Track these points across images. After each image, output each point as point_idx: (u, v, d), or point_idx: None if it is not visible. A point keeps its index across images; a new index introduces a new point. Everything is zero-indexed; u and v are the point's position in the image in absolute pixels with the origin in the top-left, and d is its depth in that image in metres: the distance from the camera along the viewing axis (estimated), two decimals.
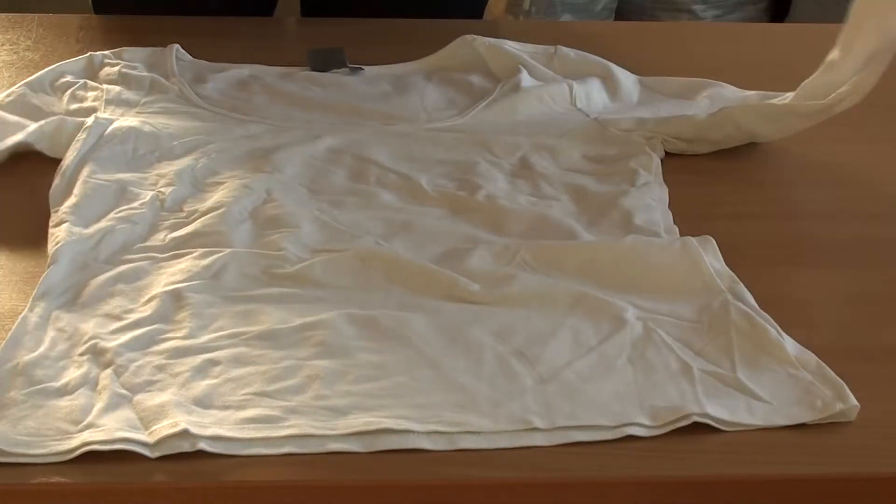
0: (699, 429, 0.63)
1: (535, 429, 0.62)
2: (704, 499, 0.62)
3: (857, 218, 0.85)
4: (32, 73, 0.96)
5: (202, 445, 0.60)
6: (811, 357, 0.68)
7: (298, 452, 0.60)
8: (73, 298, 0.71)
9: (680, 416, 0.63)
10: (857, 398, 0.64)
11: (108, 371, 0.64)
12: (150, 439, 0.60)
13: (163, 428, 0.60)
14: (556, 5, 1.71)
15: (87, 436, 0.60)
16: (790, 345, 0.68)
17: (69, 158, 0.83)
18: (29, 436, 0.60)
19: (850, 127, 0.99)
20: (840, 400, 0.64)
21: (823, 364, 0.67)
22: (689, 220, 0.81)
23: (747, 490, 0.62)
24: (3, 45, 1.06)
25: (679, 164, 0.89)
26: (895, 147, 0.97)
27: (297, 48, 1.05)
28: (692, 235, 0.78)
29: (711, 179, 0.89)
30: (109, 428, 0.60)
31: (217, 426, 0.61)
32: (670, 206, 0.83)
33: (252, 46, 1.05)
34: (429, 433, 0.61)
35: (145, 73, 0.96)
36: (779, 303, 0.72)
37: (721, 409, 0.64)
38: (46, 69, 0.95)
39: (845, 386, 0.65)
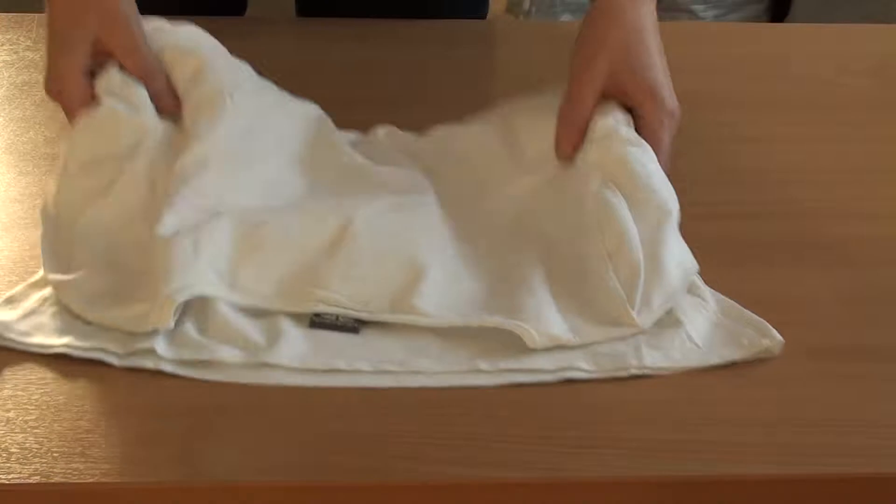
0: (697, 428, 0.63)
1: (480, 371, 0.66)
2: (704, 499, 0.62)
3: (857, 218, 0.85)
4: (32, 74, 0.96)
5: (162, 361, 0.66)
6: (733, 304, 0.72)
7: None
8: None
9: (620, 367, 0.67)
10: (857, 398, 0.65)
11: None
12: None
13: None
14: (556, 5, 1.71)
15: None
16: (710, 296, 0.73)
17: None
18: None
19: (850, 127, 0.99)
20: (764, 336, 0.69)
21: (744, 308, 0.72)
22: (687, 220, 0.81)
23: (747, 490, 0.62)
24: (3, 45, 1.06)
25: (675, 161, 0.89)
26: (895, 147, 0.97)
27: (293, 49, 1.05)
28: (691, 236, 0.78)
29: (710, 179, 0.89)
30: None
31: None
32: None
33: (245, 47, 1.05)
34: (377, 372, 0.66)
35: None
36: (778, 302, 0.72)
37: (659, 357, 0.68)
38: None
39: (767, 324, 0.70)
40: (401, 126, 0.91)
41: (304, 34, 1.13)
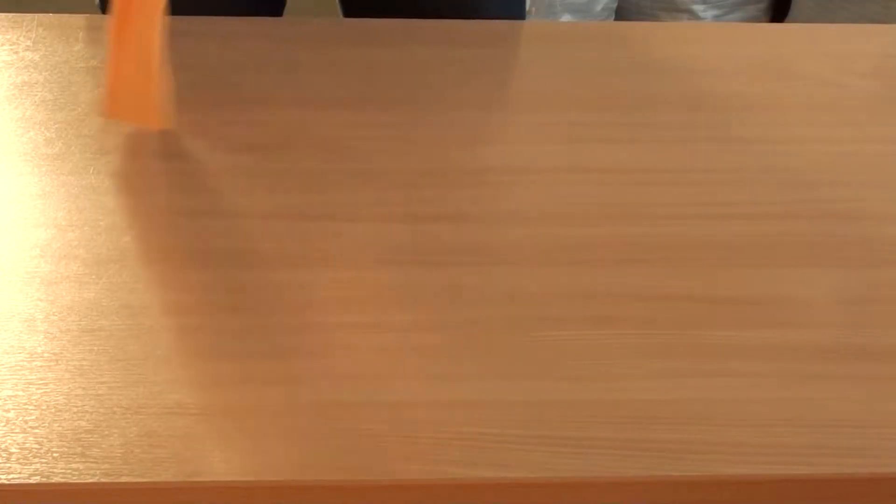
0: (697, 428, 0.63)
1: None
2: (704, 499, 0.62)
3: (857, 218, 0.85)
4: (32, 74, 0.96)
5: None
6: None
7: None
8: None
9: None
10: (857, 398, 0.65)
11: None
12: None
13: None
14: (556, 5, 1.71)
15: None
16: None
17: None
18: None
19: (850, 127, 0.99)
20: None
21: None
22: (688, 220, 0.81)
23: (747, 490, 0.62)
24: (2, 45, 1.06)
25: (676, 161, 0.89)
26: (895, 148, 0.97)
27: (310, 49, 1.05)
28: (692, 236, 0.78)
29: (710, 179, 0.89)
30: None
31: None
32: (667, 206, 0.83)
33: (262, 48, 1.05)
34: None
35: None
36: (779, 302, 0.72)
37: None
38: None
39: None
40: (397, 125, 0.91)
41: (308, 34, 1.13)
